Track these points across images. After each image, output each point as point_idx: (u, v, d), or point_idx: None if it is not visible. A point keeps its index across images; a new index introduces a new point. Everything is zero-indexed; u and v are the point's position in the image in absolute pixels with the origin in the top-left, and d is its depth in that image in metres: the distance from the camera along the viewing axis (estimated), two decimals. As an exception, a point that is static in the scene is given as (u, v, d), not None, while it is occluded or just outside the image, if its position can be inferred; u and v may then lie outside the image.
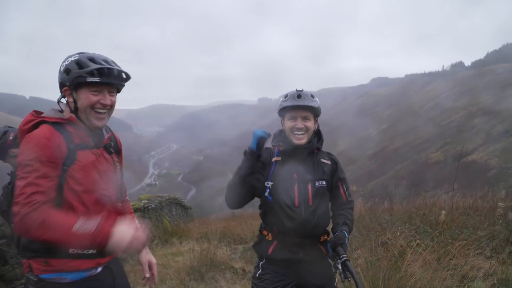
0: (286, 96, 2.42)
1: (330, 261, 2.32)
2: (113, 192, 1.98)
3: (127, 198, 2.36)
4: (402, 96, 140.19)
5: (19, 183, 1.70)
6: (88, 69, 1.82)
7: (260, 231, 2.51)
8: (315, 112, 2.41)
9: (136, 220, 2.36)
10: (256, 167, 2.35)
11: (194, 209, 12.22)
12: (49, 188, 1.73)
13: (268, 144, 2.45)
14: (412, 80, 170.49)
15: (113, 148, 2.10)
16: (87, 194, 1.85)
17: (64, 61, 1.88)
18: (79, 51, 1.92)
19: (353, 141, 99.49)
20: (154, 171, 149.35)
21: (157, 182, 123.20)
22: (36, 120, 1.85)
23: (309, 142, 2.42)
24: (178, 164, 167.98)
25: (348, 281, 2.08)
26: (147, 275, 2.24)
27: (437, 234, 4.74)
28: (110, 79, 1.87)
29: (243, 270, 5.23)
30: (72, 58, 1.87)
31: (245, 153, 2.31)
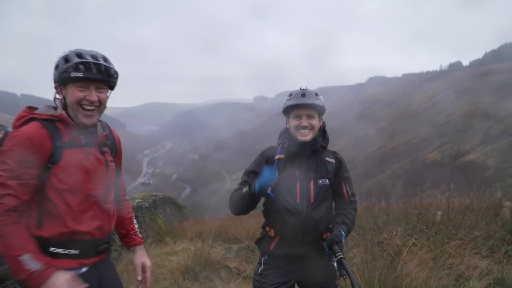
0: (290, 95, 2.45)
1: (327, 259, 2.34)
2: (101, 193, 1.95)
3: (126, 197, 2.35)
4: (400, 95, 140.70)
5: None
6: (70, 63, 1.81)
7: (263, 227, 2.53)
8: (319, 110, 2.44)
9: (134, 221, 2.36)
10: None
11: (188, 209, 12.19)
12: (21, 191, 1.73)
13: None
14: (409, 80, 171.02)
15: (110, 148, 2.08)
16: (71, 194, 1.83)
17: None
18: (76, 48, 1.91)
19: (350, 140, 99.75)
20: (148, 170, 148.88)
21: (151, 181, 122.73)
22: (28, 117, 1.85)
23: (314, 140, 2.44)
24: (172, 163, 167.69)
25: (344, 279, 2.10)
26: (139, 278, 2.23)
27: (433, 233, 4.77)
28: (94, 74, 1.84)
29: (238, 269, 5.22)
30: (63, 54, 1.86)
31: (246, 187, 2.29)
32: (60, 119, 1.86)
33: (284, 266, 2.42)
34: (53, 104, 1.95)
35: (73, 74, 1.80)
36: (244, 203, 2.30)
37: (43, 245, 1.79)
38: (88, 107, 1.87)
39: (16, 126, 1.84)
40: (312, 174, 2.40)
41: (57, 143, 1.81)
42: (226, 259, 5.62)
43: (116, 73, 1.94)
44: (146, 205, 8.13)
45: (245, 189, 2.28)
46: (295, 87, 2.46)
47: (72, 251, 1.85)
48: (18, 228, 1.71)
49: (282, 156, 2.43)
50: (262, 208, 2.57)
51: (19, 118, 1.86)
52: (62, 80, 1.84)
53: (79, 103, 1.85)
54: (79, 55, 1.83)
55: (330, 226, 2.41)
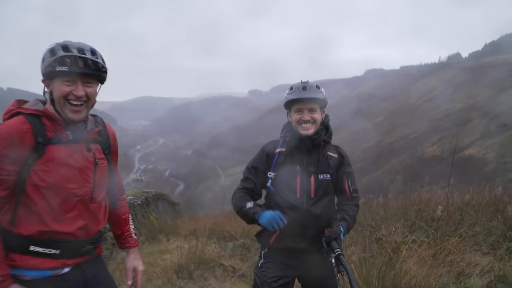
0: (291, 88, 2.47)
1: (325, 255, 2.36)
2: (87, 192, 1.92)
3: (123, 197, 2.33)
4: (398, 88, 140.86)
5: None
6: (55, 57, 1.78)
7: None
8: (321, 103, 2.47)
9: (130, 221, 2.34)
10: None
11: (182, 205, 12.16)
12: None
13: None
14: (407, 72, 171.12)
15: (102, 145, 2.05)
16: (52, 192, 1.81)
17: None
18: (64, 40, 1.88)
19: (347, 135, 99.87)
20: (140, 166, 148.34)
21: (143, 178, 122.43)
22: (14, 111, 1.83)
23: (316, 133, 2.47)
24: (165, 158, 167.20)
25: (342, 275, 2.11)
26: (129, 282, 2.21)
27: (433, 230, 4.78)
28: (80, 68, 1.81)
29: (233, 267, 5.22)
30: (49, 46, 1.83)
31: (252, 213, 2.35)
32: (45, 114, 1.84)
33: (284, 260, 2.46)
34: (43, 98, 1.93)
35: (58, 68, 1.78)
36: (246, 220, 2.41)
37: (23, 243, 1.78)
38: (75, 102, 1.84)
39: (4, 120, 1.82)
40: (313, 168, 2.43)
41: (40, 138, 1.78)
42: (221, 257, 5.61)
43: (105, 67, 1.91)
44: (139, 202, 8.10)
45: (249, 208, 2.35)
46: (290, 80, 2.49)
47: (53, 251, 1.83)
48: None
49: (283, 149, 2.48)
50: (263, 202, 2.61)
51: (6, 112, 1.85)
52: (48, 74, 1.82)
53: (66, 98, 1.82)
54: (65, 48, 1.80)
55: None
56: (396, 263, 3.66)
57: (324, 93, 2.48)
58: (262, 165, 2.51)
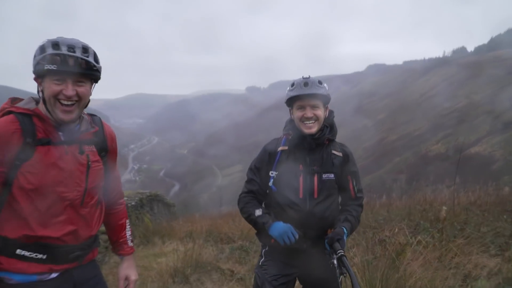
0: (292, 84, 2.49)
1: (327, 257, 2.37)
2: (78, 196, 1.91)
3: (121, 201, 2.32)
4: (401, 84, 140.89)
5: None
6: (43, 55, 1.78)
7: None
8: (324, 99, 2.48)
9: (127, 227, 2.32)
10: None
11: (177, 207, 12.18)
12: None
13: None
14: (411, 67, 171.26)
15: (98, 146, 2.03)
16: (39, 195, 1.79)
17: None
18: (59, 36, 1.86)
19: (348, 132, 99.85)
20: (134, 166, 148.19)
21: (137, 178, 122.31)
22: (6, 109, 1.83)
23: (321, 131, 2.49)
24: (160, 158, 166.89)
25: (344, 277, 2.13)
26: None
27: (438, 231, 4.78)
28: (70, 67, 1.80)
29: (231, 271, 5.22)
30: (41, 43, 1.82)
31: (261, 222, 2.42)
32: (35, 114, 1.83)
33: (285, 259, 2.49)
34: (37, 97, 1.92)
35: (47, 66, 1.76)
36: (256, 228, 2.52)
37: (9, 246, 1.78)
38: (66, 102, 1.82)
39: None
40: (316, 168, 2.45)
41: (29, 139, 1.77)
42: (218, 260, 5.62)
43: (97, 65, 1.90)
44: (132, 203, 8.10)
45: (258, 217, 2.42)
46: (289, 77, 2.53)
47: (40, 255, 1.82)
48: None
49: (286, 148, 2.50)
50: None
51: (0, 110, 1.85)
52: (38, 72, 1.81)
53: (56, 97, 1.81)
54: (55, 45, 1.79)
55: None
56: (400, 266, 3.66)
57: (327, 88, 2.49)
58: (264, 165, 2.53)
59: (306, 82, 2.42)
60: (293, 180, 2.43)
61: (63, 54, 1.78)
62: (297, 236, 2.29)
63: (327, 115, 2.55)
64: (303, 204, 2.39)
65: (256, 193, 2.53)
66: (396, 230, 4.97)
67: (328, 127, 2.55)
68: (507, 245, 4.50)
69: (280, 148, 2.51)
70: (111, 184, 2.17)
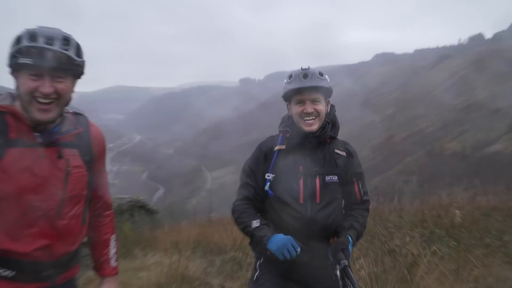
0: (290, 77, 2.48)
1: (330, 268, 2.36)
2: (54, 206, 1.87)
3: (108, 213, 2.27)
4: (412, 75, 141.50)
5: None
6: (18, 47, 1.74)
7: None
8: (325, 92, 2.48)
9: (111, 244, 2.27)
10: None
11: (161, 214, 12.14)
12: None
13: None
14: (423, 56, 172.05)
15: (81, 150, 1.99)
16: (8, 204, 1.76)
17: None
18: (38, 25, 1.82)
19: (353, 129, 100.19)
20: (113, 168, 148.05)
21: (116, 181, 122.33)
22: None
23: (322, 128, 2.49)
24: (142, 158, 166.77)
25: None
26: None
27: (455, 240, 4.77)
28: (48, 61, 1.76)
29: (222, 286, 5.20)
30: (19, 33, 1.79)
31: (259, 236, 2.37)
32: (10, 111, 1.79)
33: (283, 272, 2.46)
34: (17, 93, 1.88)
35: (22, 60, 1.73)
36: (253, 241, 2.49)
37: None
38: (43, 100, 1.78)
39: None
40: (318, 169, 2.44)
41: (0, 140, 1.74)
42: (208, 274, 5.60)
43: (78, 59, 1.86)
44: (110, 210, 8.06)
45: (255, 229, 2.38)
46: (288, 67, 2.46)
47: (7, 272, 1.79)
48: None
49: (283, 147, 2.48)
50: None
51: None
52: (11, 65, 1.78)
53: (32, 94, 1.77)
54: (32, 36, 1.75)
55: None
56: (413, 280, 3.64)
57: (328, 80, 2.47)
58: (260, 166, 2.51)
59: (305, 73, 2.41)
60: (292, 183, 2.41)
61: (40, 47, 1.74)
62: (298, 250, 2.27)
63: (328, 110, 2.54)
64: (303, 210, 2.38)
65: (252, 199, 2.51)
66: (408, 238, 4.97)
67: (330, 123, 2.55)
68: (533, 256, 4.50)
69: (277, 148, 2.49)
70: (97, 193, 2.13)
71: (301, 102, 2.44)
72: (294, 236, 2.32)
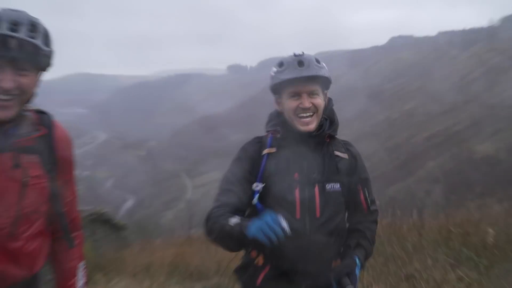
0: (281, 64, 2.46)
1: None
2: (4, 224, 1.85)
3: (76, 234, 2.24)
4: (434, 62, 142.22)
5: None
6: None
7: (247, 250, 2.52)
8: (324, 83, 2.47)
9: (79, 274, 2.24)
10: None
11: (130, 230, 12.14)
12: None
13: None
14: (448, 40, 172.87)
15: (42, 156, 1.97)
16: None
17: None
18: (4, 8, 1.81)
19: (365, 128, 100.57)
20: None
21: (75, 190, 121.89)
22: None
23: (320, 126, 2.48)
24: (107, 162, 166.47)
25: None
26: None
27: (486, 262, 4.78)
28: (8, 51, 1.74)
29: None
30: None
31: (239, 228, 2.17)
32: None
33: None
34: None
35: None
36: (232, 244, 2.30)
37: None
38: (2, 96, 1.79)
39: None
40: (317, 176, 2.41)
41: None
42: (186, 305, 5.59)
43: (46, 49, 1.86)
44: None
45: (233, 224, 2.18)
46: (285, 53, 2.48)
47: None
48: None
49: (274, 150, 2.45)
50: None
51: None
52: None
53: None
54: None
55: (342, 250, 2.44)
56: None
57: (327, 68, 2.46)
58: (245, 173, 2.45)
59: (300, 60, 2.39)
60: (286, 194, 2.37)
61: (2, 34, 1.73)
62: (285, 227, 2.04)
63: (326, 104, 2.53)
64: (301, 227, 2.33)
65: (234, 207, 2.38)
66: (430, 261, 4.97)
67: (327, 119, 2.54)
68: None
69: (266, 151, 2.46)
70: (61, 209, 2.09)
71: (296, 96, 2.42)
72: (290, 260, 2.29)
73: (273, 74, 2.49)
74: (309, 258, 2.34)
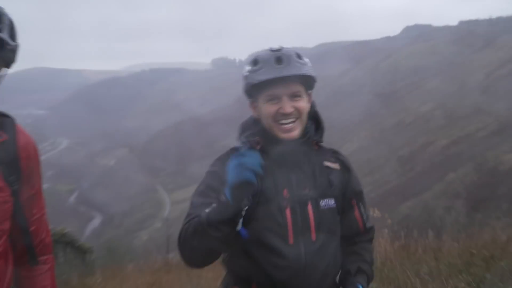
0: (255, 62, 2.41)
1: None
2: None
3: (45, 258, 2.24)
4: (456, 56, 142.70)
5: None
6: None
7: (226, 286, 2.49)
8: (307, 83, 2.44)
9: None
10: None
11: (97, 253, 12.10)
12: None
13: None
14: (471, 31, 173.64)
15: (4, 167, 1.97)
16: None
17: None
18: None
19: (374, 133, 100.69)
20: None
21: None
22: None
23: (305, 133, 2.44)
24: (70, 173, 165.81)
25: None
26: None
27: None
28: None
29: None
30: None
31: (213, 209, 2.13)
32: None
33: None
34: None
35: None
36: (215, 237, 2.10)
37: None
38: None
39: None
40: (309, 191, 2.38)
41: None
42: None
43: (11, 43, 1.88)
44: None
45: (210, 208, 2.13)
46: (273, 45, 2.43)
47: None
48: None
49: None
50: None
51: None
52: None
53: None
54: None
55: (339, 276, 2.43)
56: None
57: (310, 64, 2.43)
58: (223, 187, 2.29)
59: (278, 56, 2.33)
60: (276, 215, 2.32)
61: None
62: (257, 158, 2.02)
63: (309, 107, 2.50)
64: (295, 254, 2.29)
65: None
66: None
67: (313, 123, 2.53)
68: None
69: None
70: (27, 228, 2.09)
71: (275, 99, 2.37)
72: None
73: (246, 74, 2.43)
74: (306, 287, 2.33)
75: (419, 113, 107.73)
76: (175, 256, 10.90)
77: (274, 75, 2.29)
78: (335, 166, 2.49)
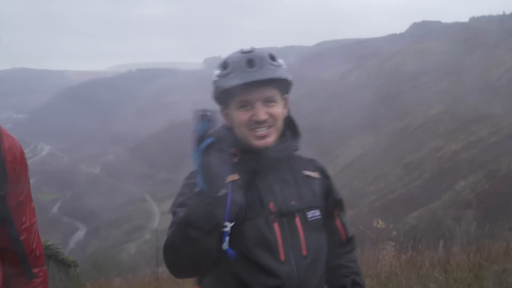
0: (224, 66, 2.39)
1: None
2: None
3: (35, 270, 2.23)
4: (466, 55, 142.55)
5: None
6: None
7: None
8: (282, 87, 2.43)
9: None
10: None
11: (82, 267, 12.07)
12: None
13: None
14: (482, 28, 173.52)
15: None
16: None
17: None
18: None
19: (378, 139, 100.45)
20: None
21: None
22: None
23: (283, 141, 2.45)
24: (52, 182, 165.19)
25: None
26: None
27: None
28: None
29: None
30: None
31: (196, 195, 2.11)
32: None
33: None
34: None
35: None
36: (197, 227, 2.06)
37: None
38: None
39: None
40: (295, 203, 2.38)
41: None
42: None
43: None
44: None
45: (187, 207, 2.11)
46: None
47: None
48: None
49: (236, 177, 2.32)
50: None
51: None
52: None
53: None
54: None
55: None
56: None
57: (285, 66, 2.43)
58: None
59: (250, 59, 2.31)
60: (264, 231, 2.29)
61: None
62: (211, 116, 2.01)
63: (286, 112, 2.50)
64: (288, 271, 2.28)
65: None
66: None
67: (289, 129, 2.54)
68: None
69: (229, 178, 2.22)
70: (17, 239, 2.08)
71: (247, 105, 2.36)
72: None
73: (215, 78, 2.42)
74: None
75: (427, 117, 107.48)
76: (165, 270, 10.88)
77: (245, 80, 2.27)
78: (315, 174, 2.51)
